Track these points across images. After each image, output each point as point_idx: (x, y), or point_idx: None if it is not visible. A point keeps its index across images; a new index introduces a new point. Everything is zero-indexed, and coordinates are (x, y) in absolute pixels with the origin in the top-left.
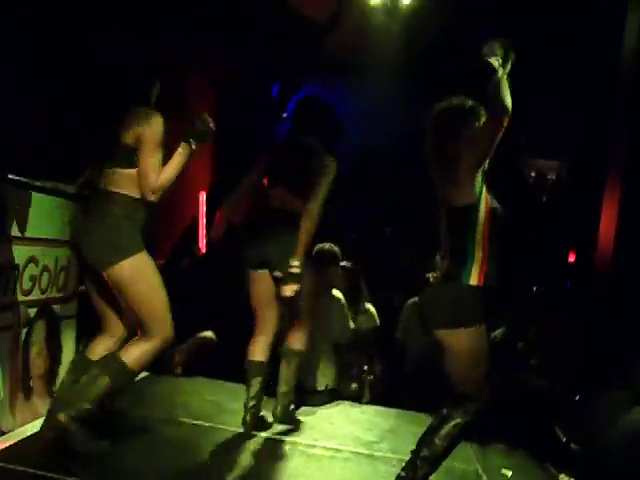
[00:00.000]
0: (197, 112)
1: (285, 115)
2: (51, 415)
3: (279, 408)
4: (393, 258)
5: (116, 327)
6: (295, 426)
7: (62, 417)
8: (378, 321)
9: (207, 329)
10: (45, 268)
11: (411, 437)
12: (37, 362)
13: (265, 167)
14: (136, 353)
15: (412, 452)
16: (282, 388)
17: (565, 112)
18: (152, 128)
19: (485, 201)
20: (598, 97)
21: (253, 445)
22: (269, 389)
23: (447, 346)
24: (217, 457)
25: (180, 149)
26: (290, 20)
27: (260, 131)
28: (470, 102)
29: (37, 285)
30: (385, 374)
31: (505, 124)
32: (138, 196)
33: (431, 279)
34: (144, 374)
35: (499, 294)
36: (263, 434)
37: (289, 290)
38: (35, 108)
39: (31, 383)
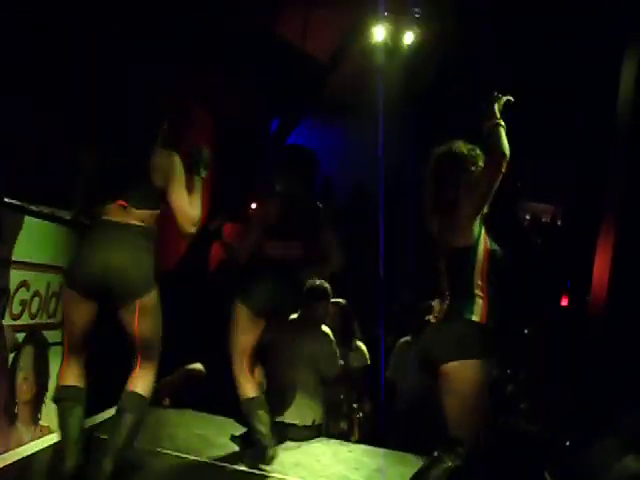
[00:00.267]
0: (196, 145)
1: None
2: (98, 464)
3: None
4: (386, 298)
5: (82, 352)
6: (282, 463)
7: (108, 464)
8: (369, 360)
9: (196, 361)
10: (36, 293)
11: (399, 478)
12: (23, 388)
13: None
14: (147, 381)
15: None
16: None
17: (561, 157)
18: (176, 168)
19: (484, 242)
20: (594, 143)
21: None
22: None
23: (451, 381)
24: None
25: (195, 182)
26: (292, 57)
27: (259, 166)
28: (469, 146)
29: (27, 310)
30: (374, 413)
31: (504, 170)
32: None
33: (431, 319)
34: None
35: (495, 335)
36: (249, 470)
37: None
38: (34, 132)
39: (16, 409)
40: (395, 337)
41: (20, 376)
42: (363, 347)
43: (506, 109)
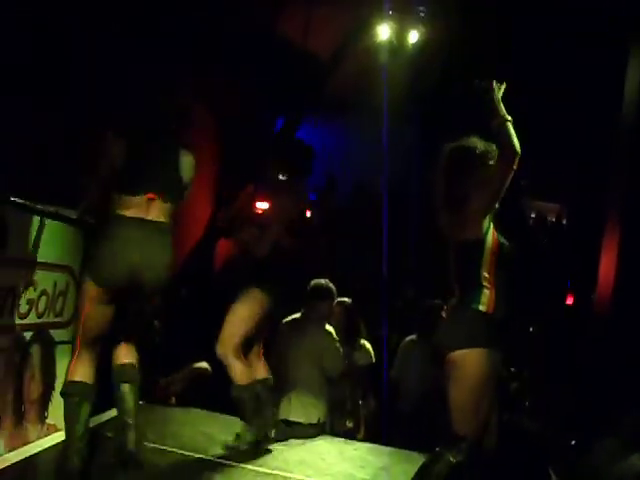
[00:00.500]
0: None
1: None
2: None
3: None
4: (389, 296)
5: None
6: (287, 461)
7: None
8: (374, 358)
9: (202, 360)
10: (43, 292)
11: (404, 476)
12: (31, 387)
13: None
14: (134, 352)
15: None
16: None
17: (565, 156)
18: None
19: (492, 235)
20: (599, 142)
21: (244, 479)
22: None
23: (457, 370)
24: None
25: None
26: (294, 56)
27: (261, 164)
28: (481, 143)
29: (34, 309)
30: (379, 410)
31: (515, 166)
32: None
33: (444, 315)
34: None
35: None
36: (255, 467)
37: None
38: (35, 132)
39: (23, 408)
40: (399, 335)
41: (27, 375)
42: (368, 345)
43: (512, 107)
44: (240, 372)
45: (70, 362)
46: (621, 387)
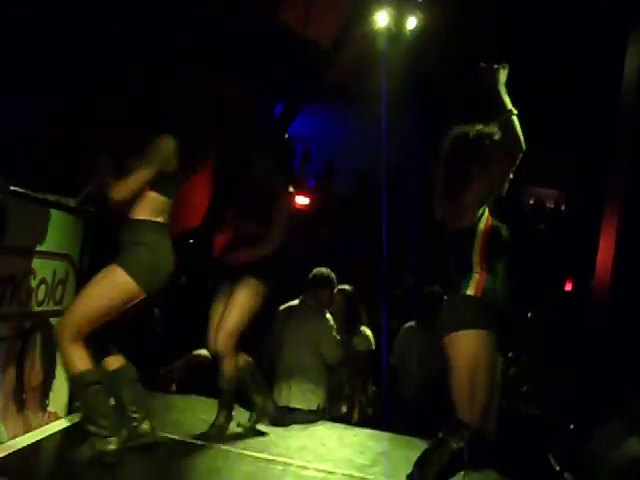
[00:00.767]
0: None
1: (286, 137)
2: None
3: None
4: (389, 283)
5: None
6: (288, 447)
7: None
8: (373, 344)
9: (202, 347)
10: (42, 280)
11: (403, 461)
12: (31, 375)
13: None
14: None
15: (407, 477)
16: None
17: (564, 142)
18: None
19: (486, 220)
20: (598, 127)
21: (245, 465)
22: None
23: (451, 352)
24: (208, 476)
25: None
26: (293, 43)
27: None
28: (485, 130)
29: (34, 297)
30: (376, 396)
31: (518, 162)
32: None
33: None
34: None
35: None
36: (256, 454)
37: None
38: (39, 120)
39: (24, 396)
40: (400, 322)
41: (28, 363)
42: (368, 332)
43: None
44: (234, 366)
45: (76, 352)
46: (620, 372)
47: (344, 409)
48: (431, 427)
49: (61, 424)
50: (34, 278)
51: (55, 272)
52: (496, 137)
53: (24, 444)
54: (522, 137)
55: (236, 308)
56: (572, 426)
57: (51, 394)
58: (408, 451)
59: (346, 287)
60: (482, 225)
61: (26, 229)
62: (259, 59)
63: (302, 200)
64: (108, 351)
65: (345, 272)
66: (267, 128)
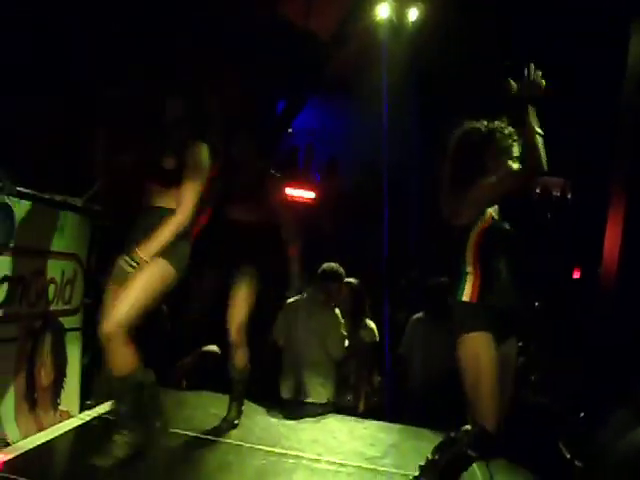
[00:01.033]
0: None
1: (290, 131)
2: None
3: None
4: (393, 275)
5: None
6: (299, 440)
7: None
8: (378, 337)
9: (212, 343)
10: (51, 280)
11: (414, 453)
12: (42, 374)
13: None
14: None
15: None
16: None
17: (570, 129)
18: None
19: (485, 221)
20: (603, 115)
21: (257, 459)
22: None
23: (459, 356)
24: (220, 471)
25: None
26: (294, 37)
27: (264, 148)
28: (493, 126)
29: (43, 297)
30: (382, 386)
31: (532, 180)
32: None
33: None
34: None
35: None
36: (267, 448)
37: None
38: (39, 120)
39: (36, 395)
40: (408, 314)
41: (38, 362)
42: (372, 325)
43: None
44: (247, 356)
45: (126, 351)
46: (627, 362)
47: (350, 399)
48: (438, 416)
49: (73, 423)
50: (43, 278)
51: (63, 272)
52: (504, 130)
53: (36, 443)
54: (544, 159)
55: (241, 302)
56: (582, 415)
57: (62, 393)
58: (418, 442)
59: (352, 280)
60: (480, 224)
61: (34, 230)
62: (260, 55)
63: (308, 194)
64: None
65: (349, 265)
66: (268, 126)
